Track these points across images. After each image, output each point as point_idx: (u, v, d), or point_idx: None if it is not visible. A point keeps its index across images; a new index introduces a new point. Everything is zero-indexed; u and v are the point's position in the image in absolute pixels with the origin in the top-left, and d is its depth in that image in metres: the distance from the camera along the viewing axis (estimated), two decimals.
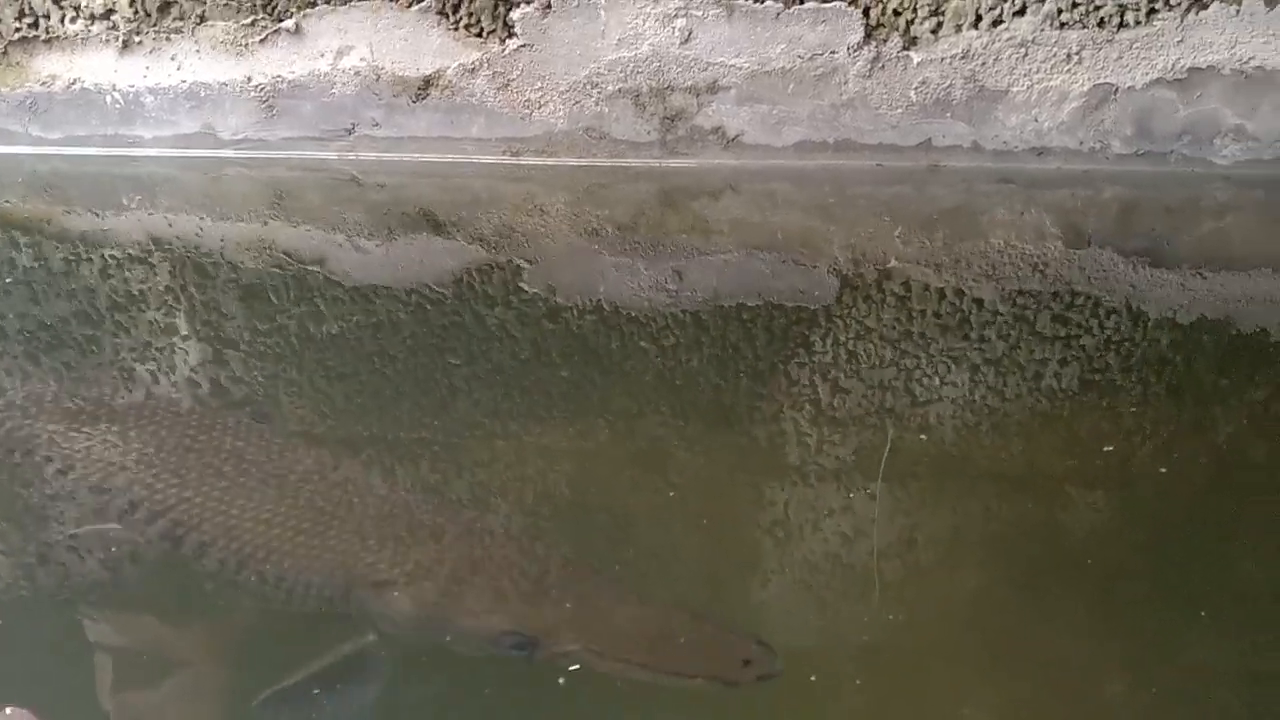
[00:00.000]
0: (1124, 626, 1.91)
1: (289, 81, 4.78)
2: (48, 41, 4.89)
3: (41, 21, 4.83)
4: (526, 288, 3.43)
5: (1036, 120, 4.23)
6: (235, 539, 2.08)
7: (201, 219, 4.32)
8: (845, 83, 4.32)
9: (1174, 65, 4.04)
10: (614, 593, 2.02)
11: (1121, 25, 4.01)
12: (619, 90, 4.52)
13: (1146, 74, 4.07)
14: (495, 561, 2.02)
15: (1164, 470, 2.38)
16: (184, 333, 3.18)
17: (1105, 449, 2.45)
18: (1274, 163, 4.07)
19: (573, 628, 1.87)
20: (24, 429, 2.50)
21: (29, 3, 4.79)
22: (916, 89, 4.27)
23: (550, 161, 4.65)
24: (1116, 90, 4.12)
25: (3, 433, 2.53)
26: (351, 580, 2.00)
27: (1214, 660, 1.84)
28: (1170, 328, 3.03)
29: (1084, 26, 4.05)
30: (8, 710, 1.38)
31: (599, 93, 4.53)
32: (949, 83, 4.23)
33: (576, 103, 4.57)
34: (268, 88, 4.79)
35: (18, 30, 4.86)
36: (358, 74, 4.69)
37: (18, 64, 4.97)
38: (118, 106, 4.94)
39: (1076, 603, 2.00)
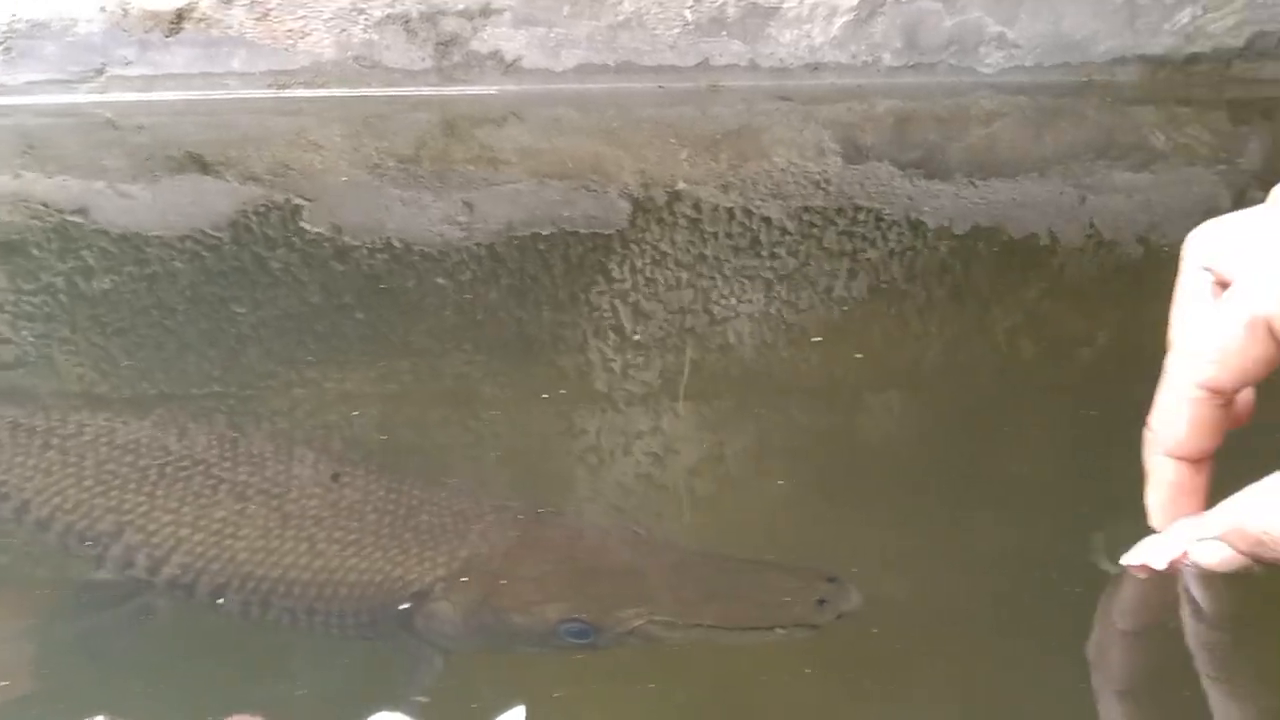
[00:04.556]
0: (919, 516, 2.00)
1: (27, 20, 4.38)
2: None
3: None
4: (309, 227, 3.29)
5: (809, 36, 4.32)
6: (248, 575, 1.76)
7: None
8: (620, 2, 4.30)
9: None
10: (661, 550, 1.78)
11: None
12: (387, 16, 4.36)
13: None
14: (529, 545, 1.78)
15: (951, 370, 2.50)
16: None
17: (895, 353, 2.55)
18: (1035, 69, 4.29)
19: (633, 600, 1.60)
20: None
21: None
22: (691, 7, 4.29)
23: (321, 93, 4.46)
24: (885, 2, 4.24)
25: None
26: (386, 598, 1.72)
27: (1006, 548, 1.96)
28: (948, 236, 3.16)
29: None
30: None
31: (365, 19, 4.36)
32: (722, 0, 4.26)
33: (343, 30, 4.39)
34: (3, 28, 4.40)
35: None
36: (103, 9, 4.35)
37: None
38: None
39: (875, 499, 2.08)
